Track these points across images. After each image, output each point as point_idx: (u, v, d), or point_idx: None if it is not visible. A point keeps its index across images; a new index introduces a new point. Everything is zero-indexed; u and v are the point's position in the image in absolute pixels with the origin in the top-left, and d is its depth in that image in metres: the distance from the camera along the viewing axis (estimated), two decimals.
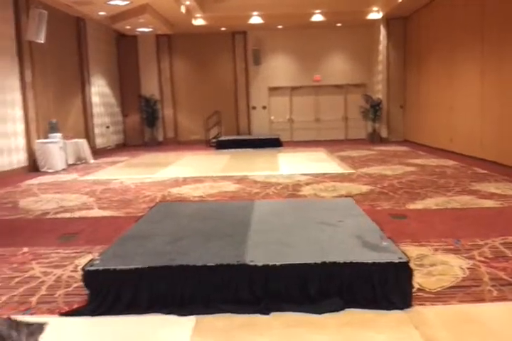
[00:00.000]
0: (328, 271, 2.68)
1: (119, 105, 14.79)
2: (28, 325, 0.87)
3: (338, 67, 14.91)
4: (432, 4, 11.45)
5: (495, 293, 2.91)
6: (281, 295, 2.69)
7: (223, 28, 14.18)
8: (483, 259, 3.52)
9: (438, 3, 11.12)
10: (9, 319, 0.86)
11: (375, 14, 13.27)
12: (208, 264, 2.71)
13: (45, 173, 9.11)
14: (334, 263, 2.68)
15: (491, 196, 5.82)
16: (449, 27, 10.54)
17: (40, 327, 0.89)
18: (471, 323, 2.58)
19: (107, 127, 13.64)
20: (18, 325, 0.86)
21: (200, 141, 14.60)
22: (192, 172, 8.68)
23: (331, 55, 14.88)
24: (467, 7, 9.58)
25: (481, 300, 2.83)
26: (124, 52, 14.73)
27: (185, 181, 7.63)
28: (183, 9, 12.13)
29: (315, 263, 2.68)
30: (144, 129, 14.99)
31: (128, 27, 13.09)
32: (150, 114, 14.67)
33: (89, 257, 3.67)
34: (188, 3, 12.11)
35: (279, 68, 14.99)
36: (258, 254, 2.85)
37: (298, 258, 2.78)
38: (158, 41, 14.77)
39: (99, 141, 12.99)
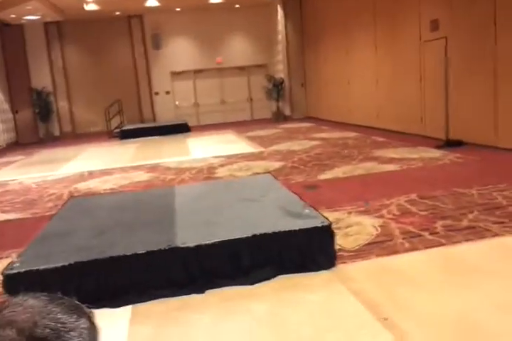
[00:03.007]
0: (258, 243, 2.78)
1: (8, 101, 13.62)
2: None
3: (239, 49, 14.98)
4: None
5: (406, 245, 3.23)
6: (215, 272, 2.75)
7: (118, 13, 13.54)
8: (391, 216, 3.87)
9: None
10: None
11: None
12: (139, 252, 2.67)
13: None
14: (263, 235, 2.79)
15: (390, 161, 6.33)
16: (342, 5, 11.04)
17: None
18: (390, 273, 2.85)
19: None
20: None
21: (102, 133, 13.91)
22: (98, 165, 8.20)
23: (232, 37, 14.88)
24: None
25: (396, 252, 3.13)
26: (10, 43, 13.46)
27: (91, 175, 7.25)
28: None
29: (245, 237, 2.77)
30: (38, 125, 14.00)
31: (13, 15, 11.95)
32: (43, 107, 13.68)
33: (4, 262, 3.44)
34: None
35: (180, 52, 14.69)
36: (189, 236, 2.86)
37: (228, 234, 2.83)
38: (47, 29, 13.66)
39: None
